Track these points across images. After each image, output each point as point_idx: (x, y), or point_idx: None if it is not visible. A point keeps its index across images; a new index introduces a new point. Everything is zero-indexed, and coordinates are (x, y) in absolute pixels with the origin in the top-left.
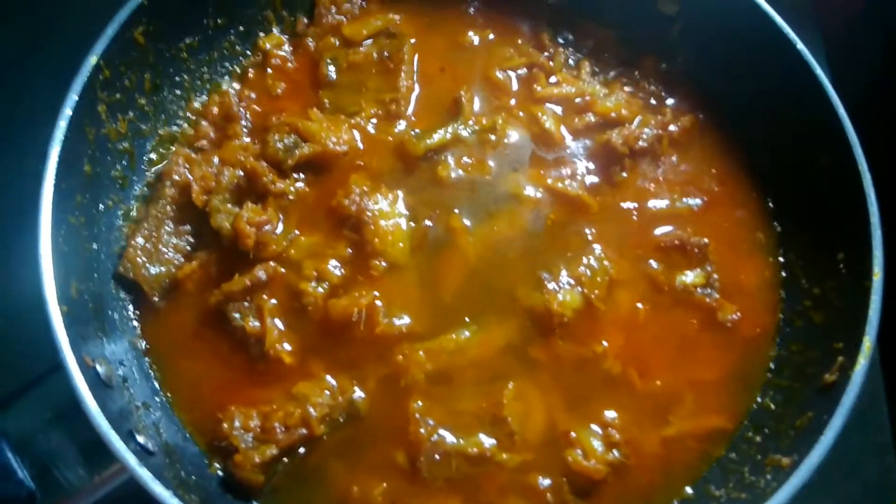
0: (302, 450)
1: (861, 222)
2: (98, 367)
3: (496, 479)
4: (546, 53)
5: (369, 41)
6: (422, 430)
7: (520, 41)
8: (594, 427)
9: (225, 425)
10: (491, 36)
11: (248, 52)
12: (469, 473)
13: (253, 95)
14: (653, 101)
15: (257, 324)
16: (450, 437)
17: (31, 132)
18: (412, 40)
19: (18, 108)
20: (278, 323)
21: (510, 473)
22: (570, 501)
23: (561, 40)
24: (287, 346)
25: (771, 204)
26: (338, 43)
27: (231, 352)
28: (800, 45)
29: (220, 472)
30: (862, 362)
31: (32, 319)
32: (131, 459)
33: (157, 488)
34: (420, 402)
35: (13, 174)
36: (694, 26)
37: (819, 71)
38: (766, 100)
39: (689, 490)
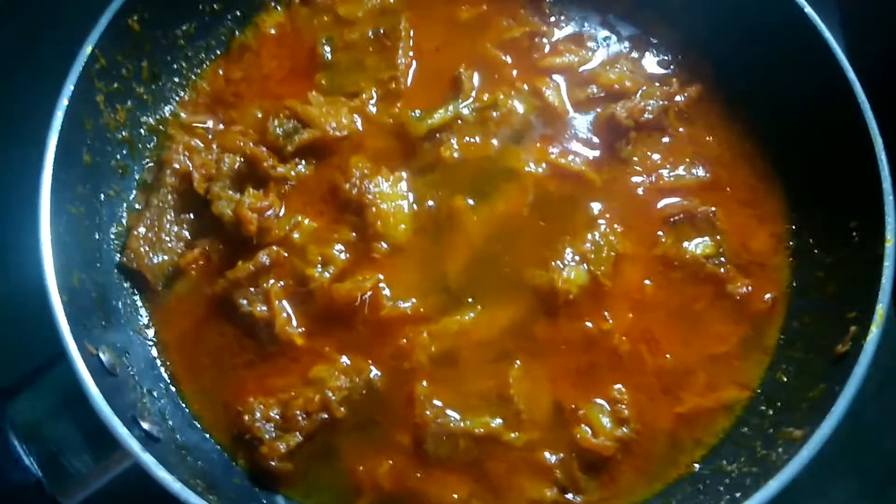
0: None
1: (874, 189)
2: (101, 355)
3: (504, 458)
4: (547, 21)
5: (365, 19)
6: (427, 412)
7: (522, 11)
8: (603, 404)
9: (246, 417)
10: (485, 7)
11: (245, 37)
12: (476, 453)
13: (250, 79)
14: (659, 70)
15: (265, 308)
16: (456, 418)
17: (30, 123)
18: (407, 15)
19: (17, 100)
20: (286, 306)
21: (518, 452)
22: (579, 478)
23: (562, 8)
24: (298, 329)
25: (781, 174)
26: (333, 22)
27: (239, 338)
28: (808, 9)
29: (244, 465)
30: (874, 331)
31: (37, 309)
32: (135, 445)
33: (161, 474)
34: (425, 384)
35: (13, 166)
36: None
37: (829, 36)
38: (776, 67)
39: (700, 465)
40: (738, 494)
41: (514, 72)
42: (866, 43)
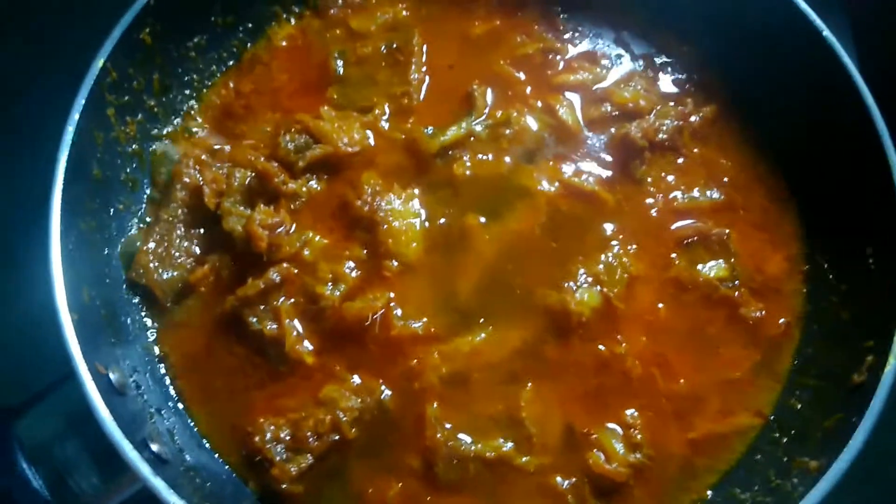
0: None
1: (890, 215)
2: (111, 375)
3: (515, 482)
4: (561, 37)
5: (377, 33)
6: (438, 435)
7: (536, 27)
8: (616, 429)
9: (257, 438)
10: (498, 22)
11: (257, 50)
12: (487, 477)
13: (261, 92)
14: (674, 90)
15: (275, 326)
16: (467, 441)
17: (40, 137)
18: (420, 30)
19: (27, 113)
20: (297, 324)
21: (530, 477)
22: None
23: (576, 25)
24: (308, 346)
25: (796, 196)
26: (345, 36)
27: (249, 356)
28: (826, 32)
29: (254, 487)
30: (892, 362)
31: (45, 327)
32: (144, 469)
33: (170, 497)
34: (436, 405)
35: (23, 180)
36: (716, 12)
37: (846, 58)
38: (790, 88)
39: (713, 492)
40: None
41: (528, 89)
42: (881, 62)
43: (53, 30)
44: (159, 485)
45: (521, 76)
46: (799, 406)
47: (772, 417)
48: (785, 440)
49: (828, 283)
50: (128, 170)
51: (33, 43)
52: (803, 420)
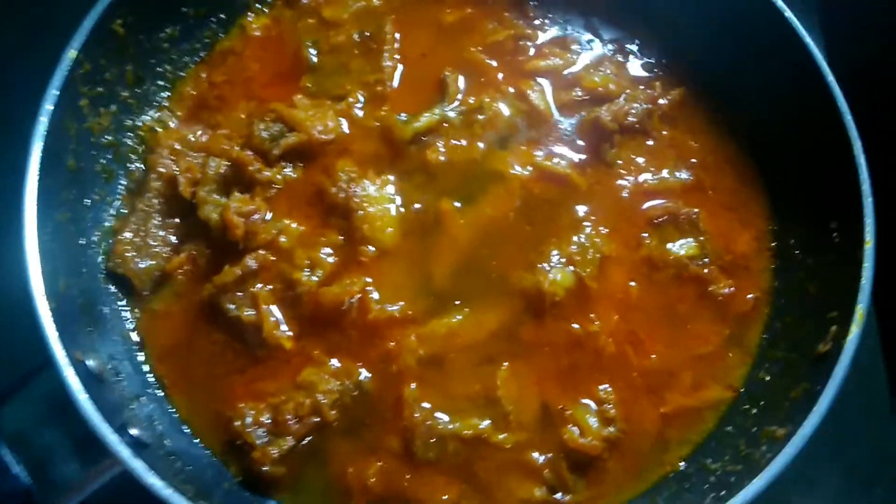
0: None
1: (853, 192)
2: (89, 362)
3: (493, 459)
4: (531, 24)
5: (350, 22)
6: (416, 415)
7: (507, 14)
8: (590, 404)
9: (237, 423)
10: (469, 10)
11: (230, 40)
12: (465, 455)
13: (234, 82)
14: (643, 73)
15: (253, 312)
16: (444, 420)
17: (13, 129)
18: (392, 18)
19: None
20: (274, 310)
21: (507, 453)
22: (567, 478)
23: (546, 11)
24: (287, 331)
25: (763, 177)
26: (317, 25)
27: (228, 343)
28: (788, 13)
29: (235, 471)
30: (854, 331)
31: (23, 315)
32: (124, 452)
33: (151, 480)
34: (414, 386)
35: None
36: None
37: (808, 39)
38: (757, 71)
39: (685, 464)
40: (722, 492)
41: (500, 75)
42: (845, 46)
43: (25, 20)
44: (139, 466)
45: (493, 63)
46: (768, 378)
47: (742, 390)
48: (755, 411)
49: (795, 258)
50: (102, 161)
51: (4, 33)
52: (772, 391)
